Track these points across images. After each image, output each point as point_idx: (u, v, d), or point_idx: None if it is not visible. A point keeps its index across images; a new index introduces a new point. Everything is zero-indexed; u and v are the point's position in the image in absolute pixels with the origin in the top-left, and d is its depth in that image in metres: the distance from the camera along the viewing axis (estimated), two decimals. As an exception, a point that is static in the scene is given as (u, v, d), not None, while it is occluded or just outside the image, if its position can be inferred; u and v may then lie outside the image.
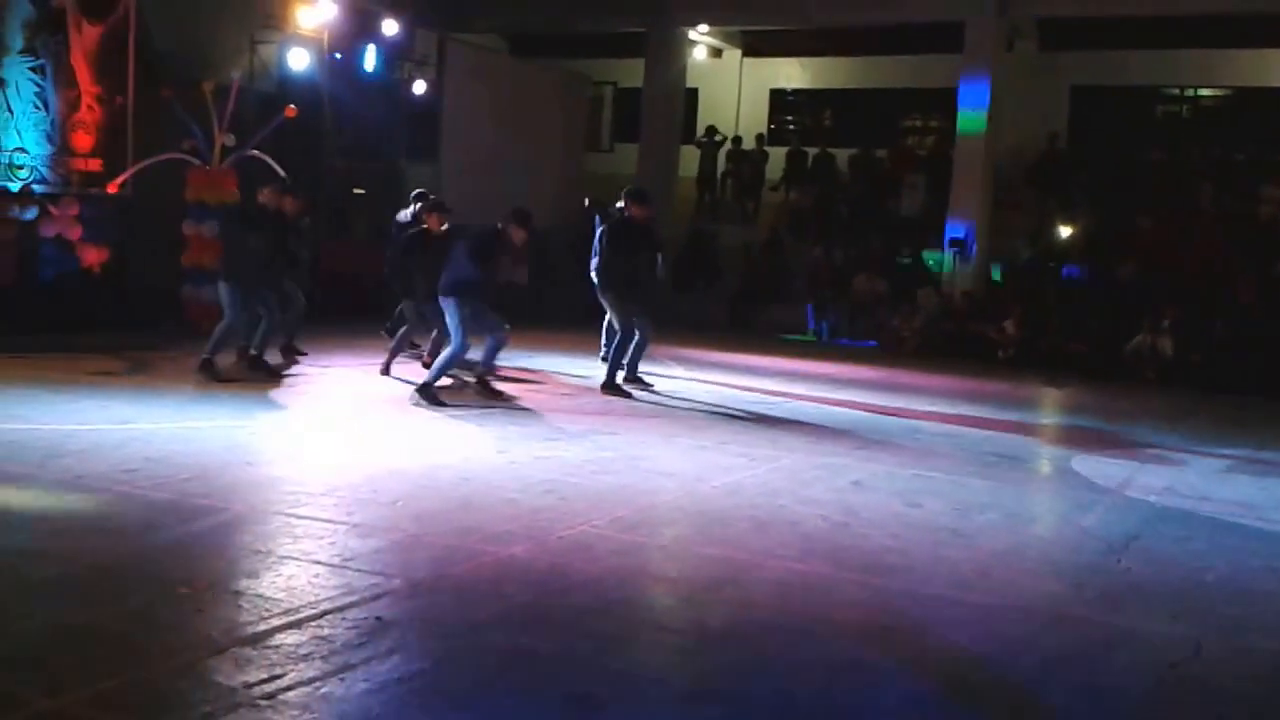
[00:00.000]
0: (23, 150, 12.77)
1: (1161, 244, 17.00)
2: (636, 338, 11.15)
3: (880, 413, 10.99)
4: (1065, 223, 18.45)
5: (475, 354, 10.29)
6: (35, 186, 12.87)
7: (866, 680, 4.47)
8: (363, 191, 17.18)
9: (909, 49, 21.55)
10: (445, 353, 10.03)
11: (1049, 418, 12.51)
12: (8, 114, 12.67)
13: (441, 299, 9.86)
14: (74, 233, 13.03)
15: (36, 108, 12.95)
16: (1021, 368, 15.33)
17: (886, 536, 6.39)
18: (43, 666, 4.08)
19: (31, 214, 12.74)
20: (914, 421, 10.60)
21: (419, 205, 12.26)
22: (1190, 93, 21.66)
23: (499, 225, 10.03)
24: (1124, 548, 6.50)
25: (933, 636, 4.94)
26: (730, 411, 10.60)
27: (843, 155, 21.67)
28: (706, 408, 10.76)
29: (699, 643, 4.79)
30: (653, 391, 11.31)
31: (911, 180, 20.03)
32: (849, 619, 5.08)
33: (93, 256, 13.22)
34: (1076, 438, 10.53)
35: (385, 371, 11.19)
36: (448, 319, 9.89)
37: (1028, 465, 9.35)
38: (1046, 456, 9.79)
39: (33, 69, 12.91)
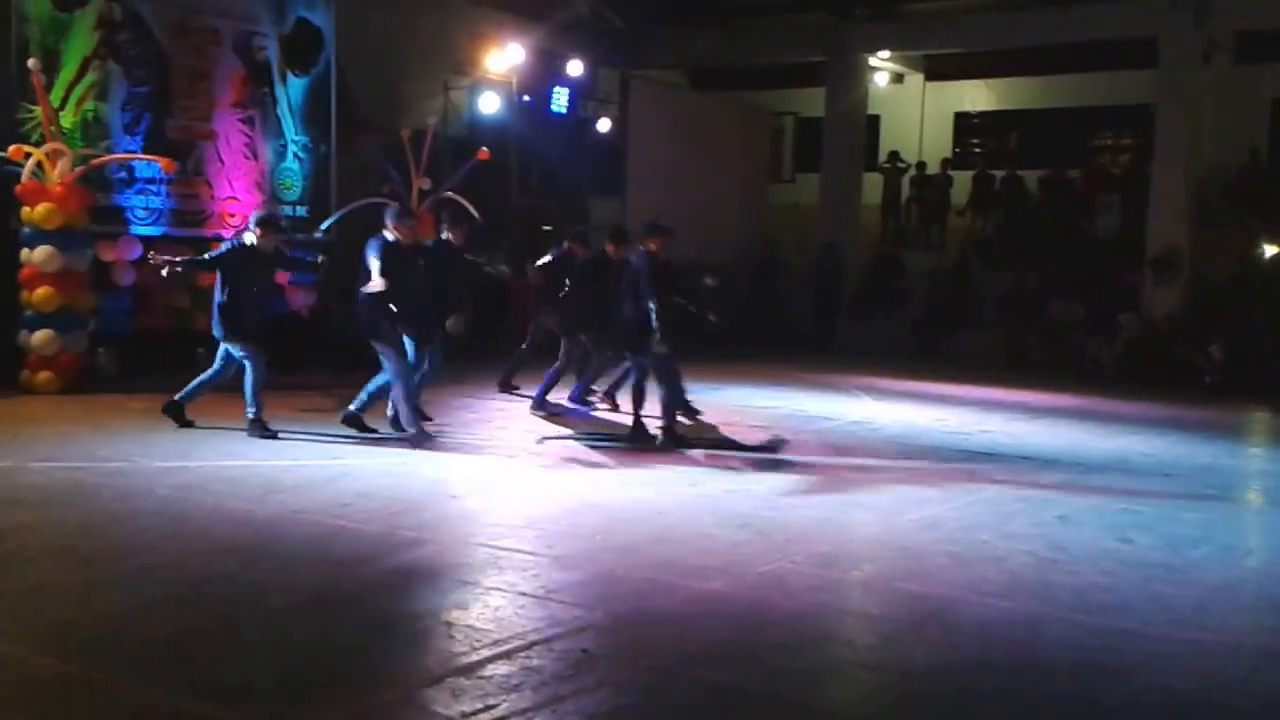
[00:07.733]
0: (234, 199, 13.50)
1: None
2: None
3: (1082, 443, 10.65)
4: (1270, 240, 17.57)
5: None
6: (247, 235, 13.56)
7: (1081, 722, 4.35)
8: (551, 229, 17.55)
9: (1098, 66, 20.91)
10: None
11: (1261, 446, 11.92)
12: (220, 163, 13.41)
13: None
14: (282, 277, 13.66)
15: (246, 158, 13.68)
16: (1229, 394, 14.65)
17: (1097, 573, 6.20)
18: (267, 699, 4.28)
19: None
20: (1119, 452, 10.23)
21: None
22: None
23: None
24: (1352, 585, 6.17)
25: (1148, 676, 4.77)
26: (923, 442, 10.44)
27: (1031, 177, 21.13)
28: (898, 438, 10.62)
29: (903, 683, 4.73)
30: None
31: (1106, 200, 19.40)
32: (1060, 659, 4.94)
33: (300, 300, 13.82)
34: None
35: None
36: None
37: (1241, 497, 8.96)
38: (1260, 487, 9.34)
39: (242, 120, 13.66)
